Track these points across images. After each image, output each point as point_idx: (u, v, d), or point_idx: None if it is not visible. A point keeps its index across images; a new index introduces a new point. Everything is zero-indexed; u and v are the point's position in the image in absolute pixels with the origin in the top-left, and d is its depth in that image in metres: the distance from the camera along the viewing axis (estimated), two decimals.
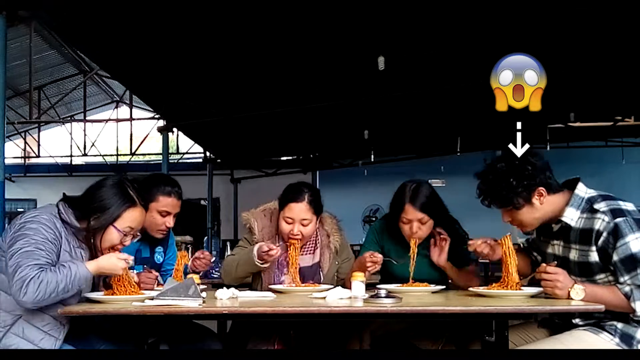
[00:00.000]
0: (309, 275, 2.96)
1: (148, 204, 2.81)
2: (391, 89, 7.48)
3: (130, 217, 2.40)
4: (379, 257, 2.76)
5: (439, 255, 2.87)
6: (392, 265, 3.00)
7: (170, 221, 2.95)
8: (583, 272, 2.32)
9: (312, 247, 3.01)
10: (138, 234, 2.52)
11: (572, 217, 2.36)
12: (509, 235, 2.49)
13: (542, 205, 2.38)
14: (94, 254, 2.42)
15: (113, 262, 2.31)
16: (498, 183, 2.37)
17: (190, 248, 9.11)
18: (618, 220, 2.23)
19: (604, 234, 2.25)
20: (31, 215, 2.31)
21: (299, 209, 2.85)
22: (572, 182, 2.44)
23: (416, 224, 2.85)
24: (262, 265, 2.80)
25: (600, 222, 2.27)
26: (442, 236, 2.86)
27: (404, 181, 2.96)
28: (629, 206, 2.30)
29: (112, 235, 2.38)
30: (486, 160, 2.49)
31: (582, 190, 2.39)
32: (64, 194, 2.45)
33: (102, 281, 2.54)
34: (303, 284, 2.84)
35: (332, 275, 3.02)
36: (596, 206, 2.31)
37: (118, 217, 2.37)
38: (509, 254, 2.46)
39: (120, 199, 2.39)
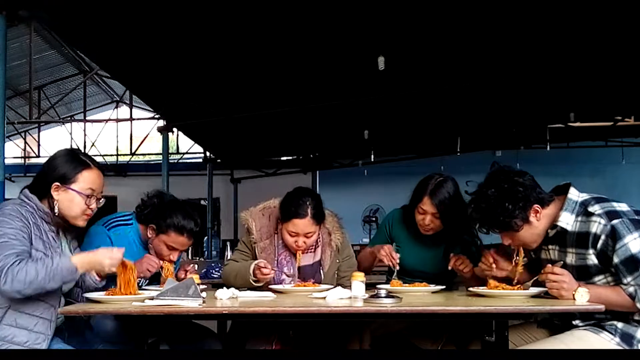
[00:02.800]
0: (309, 273, 2.96)
1: (159, 232, 2.83)
2: (391, 89, 7.47)
3: (88, 179, 2.42)
4: (396, 256, 2.80)
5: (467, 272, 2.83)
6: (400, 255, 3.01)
7: (175, 256, 2.88)
8: (581, 275, 2.32)
9: (313, 245, 3.00)
10: (102, 198, 2.49)
11: (568, 221, 2.37)
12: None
13: (540, 221, 2.40)
14: (65, 233, 2.45)
15: (100, 257, 2.30)
16: (493, 210, 2.37)
17: (190, 248, 9.13)
18: (614, 222, 2.24)
19: (602, 237, 2.25)
20: None
21: (303, 225, 2.85)
22: (563, 187, 2.45)
23: (429, 217, 2.89)
24: (256, 284, 2.80)
25: (597, 225, 2.27)
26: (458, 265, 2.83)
27: (430, 174, 2.99)
28: (622, 207, 2.31)
29: (75, 199, 2.39)
30: (468, 186, 2.50)
31: (575, 194, 2.41)
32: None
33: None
34: (304, 283, 2.85)
35: (332, 273, 3.02)
36: (590, 209, 2.32)
37: (74, 179, 2.39)
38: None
39: (73, 163, 2.42)
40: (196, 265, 3.04)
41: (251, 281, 2.79)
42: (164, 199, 2.95)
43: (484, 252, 2.66)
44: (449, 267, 2.80)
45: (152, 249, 2.91)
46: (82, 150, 2.56)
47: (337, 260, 3.03)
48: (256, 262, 2.81)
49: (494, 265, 2.57)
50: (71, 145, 15.04)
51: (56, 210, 2.38)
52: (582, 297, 2.22)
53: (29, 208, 2.36)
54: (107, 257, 2.30)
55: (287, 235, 2.89)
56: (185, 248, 2.91)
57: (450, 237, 3.00)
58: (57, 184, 2.38)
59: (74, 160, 2.44)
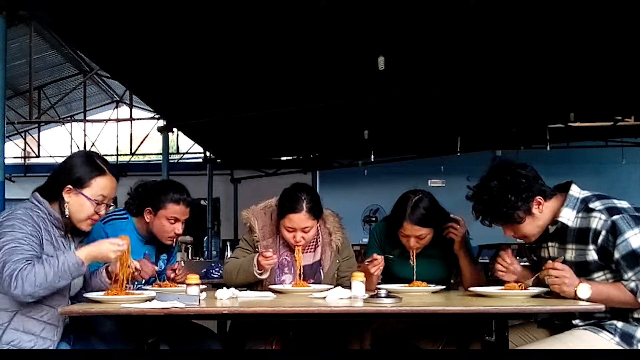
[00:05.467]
0: (309, 273, 2.95)
1: (157, 211, 2.89)
2: (391, 89, 7.47)
3: (100, 185, 2.41)
4: (378, 257, 2.77)
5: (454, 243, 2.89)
6: (394, 265, 3.00)
7: (179, 228, 2.94)
8: (580, 271, 2.32)
9: (313, 245, 3.00)
10: (112, 203, 2.51)
11: (569, 217, 2.37)
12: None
13: (542, 213, 2.40)
14: (72, 236, 2.45)
15: (105, 248, 2.31)
16: (496, 202, 2.37)
17: (190, 248, 9.14)
18: (615, 217, 2.25)
19: (603, 233, 2.26)
20: (6, 214, 2.33)
21: (299, 219, 2.83)
22: (565, 185, 2.46)
23: (413, 239, 2.87)
24: (260, 276, 2.81)
25: (597, 221, 2.28)
26: (450, 229, 2.89)
27: (405, 191, 2.97)
28: (623, 204, 2.32)
29: (85, 205, 2.38)
30: (469, 181, 2.50)
31: (577, 191, 2.41)
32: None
33: (105, 270, 2.53)
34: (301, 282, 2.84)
35: (332, 273, 3.01)
36: (591, 205, 2.33)
37: (87, 185, 2.39)
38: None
39: (88, 167, 2.41)
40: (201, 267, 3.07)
41: (255, 273, 2.78)
42: (147, 185, 3.02)
43: (501, 251, 2.64)
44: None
45: (155, 234, 2.94)
46: (95, 153, 2.57)
47: (337, 261, 3.02)
48: (257, 254, 2.81)
49: (514, 266, 2.53)
50: (71, 146, 15.07)
51: (66, 213, 2.37)
52: (584, 293, 2.21)
53: (40, 213, 2.35)
54: (111, 248, 2.31)
55: (284, 231, 2.88)
56: (185, 217, 2.96)
57: (441, 242, 2.98)
58: (70, 186, 2.37)
59: (90, 164, 2.42)
